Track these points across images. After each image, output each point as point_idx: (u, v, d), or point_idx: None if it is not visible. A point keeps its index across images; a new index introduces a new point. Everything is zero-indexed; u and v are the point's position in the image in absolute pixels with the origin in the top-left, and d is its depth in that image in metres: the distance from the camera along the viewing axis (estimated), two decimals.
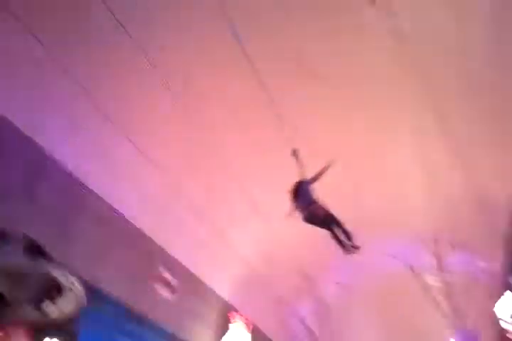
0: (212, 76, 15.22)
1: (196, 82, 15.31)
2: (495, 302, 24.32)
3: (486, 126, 18.79)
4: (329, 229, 9.66)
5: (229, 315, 25.45)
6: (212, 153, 17.25)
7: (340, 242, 9.59)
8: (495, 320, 24.52)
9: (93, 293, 16.77)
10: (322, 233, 22.54)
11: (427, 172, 21.48)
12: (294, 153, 10.44)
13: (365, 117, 18.61)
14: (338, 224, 9.59)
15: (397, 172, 21.71)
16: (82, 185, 15.04)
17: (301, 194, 9.62)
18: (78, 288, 6.20)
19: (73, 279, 6.37)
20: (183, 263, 21.39)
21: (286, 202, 22.29)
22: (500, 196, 20.98)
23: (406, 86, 17.31)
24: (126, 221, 17.43)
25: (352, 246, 9.57)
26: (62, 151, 13.98)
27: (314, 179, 9.88)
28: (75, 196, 15.18)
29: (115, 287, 17.01)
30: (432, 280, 27.95)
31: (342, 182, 21.38)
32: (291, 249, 24.32)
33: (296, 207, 9.48)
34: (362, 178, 21.70)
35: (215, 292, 23.41)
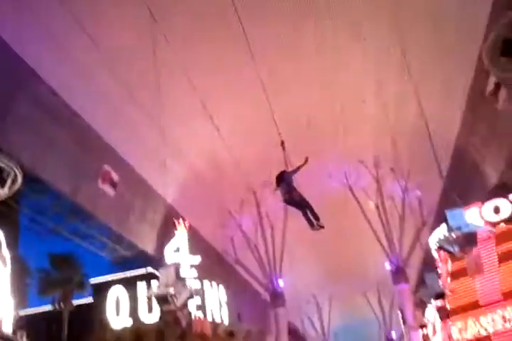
0: None
1: None
2: (428, 231, 25.77)
3: (442, 63, 19.11)
4: (302, 210, 11.56)
5: (175, 220, 26.19)
6: (171, 58, 16.93)
7: (309, 220, 11.44)
8: (426, 249, 26.11)
9: (35, 182, 17.02)
10: (270, 151, 23.12)
11: (381, 100, 21.87)
12: (282, 144, 12.51)
13: (330, 48, 18.66)
14: (310, 207, 11.48)
15: (349, 97, 21.99)
16: (29, 69, 14.53)
17: (284, 181, 11.54)
18: (17, 173, 6.40)
19: (13, 165, 6.54)
20: (131, 165, 21.67)
21: (239, 114, 22.67)
22: (445, 131, 21.73)
23: (373, 18, 17.35)
24: (76, 114, 17.17)
25: (318, 225, 11.39)
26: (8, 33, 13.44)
27: (295, 171, 11.70)
28: (22, 82, 14.72)
29: (59, 179, 17.15)
30: (370, 204, 29.18)
31: (296, 107, 21.69)
32: (240, 161, 24.80)
33: (280, 191, 11.54)
34: (314, 102, 21.95)
35: (161, 196, 23.93)
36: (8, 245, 14.05)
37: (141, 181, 22.89)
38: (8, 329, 11.74)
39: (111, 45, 16.07)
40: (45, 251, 23.90)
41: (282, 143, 12.59)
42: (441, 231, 12.78)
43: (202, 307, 26.01)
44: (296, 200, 11.55)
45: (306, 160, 11.76)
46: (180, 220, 26.41)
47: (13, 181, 6.50)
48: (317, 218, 11.40)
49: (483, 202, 19.76)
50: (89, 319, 25.08)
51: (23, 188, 14.37)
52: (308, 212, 11.52)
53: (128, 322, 24.77)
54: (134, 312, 24.68)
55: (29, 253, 21.36)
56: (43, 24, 14.39)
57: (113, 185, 19.99)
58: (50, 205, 20.44)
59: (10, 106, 14.42)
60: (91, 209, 20.14)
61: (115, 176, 19.94)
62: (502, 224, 18.33)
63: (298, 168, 11.84)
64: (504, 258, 17.88)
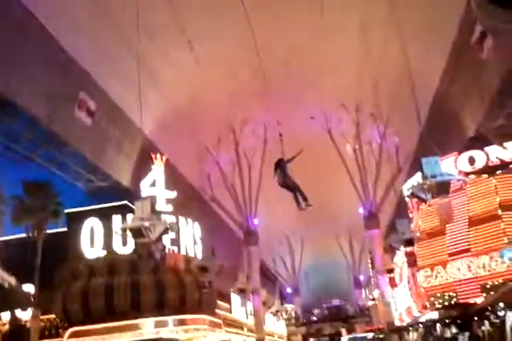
0: None
1: None
2: (403, 179, 26.04)
3: (429, 8, 18.67)
4: (294, 193, 13.47)
5: (152, 154, 25.94)
6: None
7: (297, 201, 13.36)
8: (399, 196, 26.46)
9: (9, 106, 16.48)
10: (251, 86, 22.66)
11: (365, 43, 21.44)
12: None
13: None
14: (300, 191, 13.41)
15: (333, 37, 21.56)
16: None
17: (280, 168, 13.28)
18: None
19: None
20: (108, 94, 21.07)
21: (221, 45, 21.98)
22: (428, 78, 21.43)
23: None
24: (51, 37, 16.44)
25: (306, 205, 13.46)
26: None
27: (290, 160, 13.41)
28: None
29: (34, 105, 16.60)
30: (348, 148, 29.24)
31: (280, 44, 21.14)
32: (220, 96, 24.35)
33: (276, 176, 13.34)
34: (297, 40, 21.46)
35: (139, 128, 23.43)
36: None
37: (119, 111, 22.39)
38: None
39: None
40: (19, 178, 23.67)
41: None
42: (416, 179, 12.84)
43: (176, 242, 26.36)
44: (289, 185, 13.39)
45: (301, 151, 13.46)
46: (158, 154, 26.25)
47: None
48: (305, 199, 13.30)
49: (459, 153, 19.89)
50: (63, 248, 25.23)
51: None
52: (298, 195, 13.33)
53: (101, 253, 25.05)
54: (108, 244, 24.87)
55: (3, 181, 21.12)
56: None
57: (90, 113, 19.53)
58: (24, 131, 19.93)
59: None
60: (66, 137, 19.74)
61: (92, 104, 19.45)
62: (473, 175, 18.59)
63: (293, 158, 13.49)
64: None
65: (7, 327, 21.77)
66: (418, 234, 15.70)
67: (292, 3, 19.35)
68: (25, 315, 22.91)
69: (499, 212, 17.89)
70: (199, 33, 19.67)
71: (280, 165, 13.38)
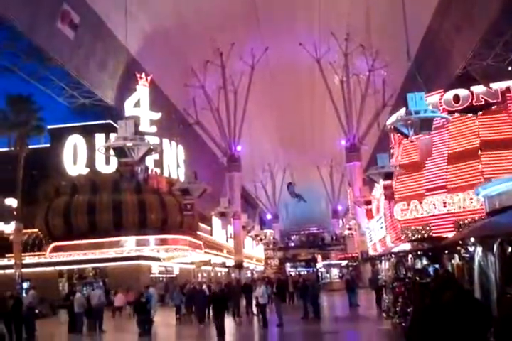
0: None
1: None
2: (387, 114, 25.94)
3: None
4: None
5: (137, 75, 25.35)
6: None
7: None
8: (382, 130, 26.46)
9: None
10: (240, 11, 21.67)
11: None
12: None
13: None
14: None
15: None
16: None
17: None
18: None
19: None
20: (92, 7, 20.06)
21: None
22: (420, 11, 20.70)
23: None
24: None
25: None
26: None
27: None
28: None
29: (13, 12, 15.81)
30: (335, 79, 28.86)
31: None
32: (208, 15, 23.51)
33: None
34: None
35: (124, 46, 22.67)
36: None
37: (103, 26, 21.60)
38: None
39: None
40: (1, 91, 23.21)
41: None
42: (400, 114, 12.82)
43: (159, 164, 26.53)
44: None
45: None
46: (143, 74, 25.71)
47: None
48: None
49: (445, 90, 19.77)
50: (46, 164, 25.35)
51: None
52: None
53: (84, 171, 25.20)
54: (91, 161, 25.01)
55: None
56: None
57: (73, 26, 18.79)
58: (5, 42, 19.26)
59: None
60: (49, 50, 19.10)
61: (75, 17, 18.66)
62: (456, 114, 18.59)
63: None
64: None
65: None
66: (397, 169, 15.93)
67: None
68: (7, 228, 23.33)
69: (479, 151, 18.09)
70: None
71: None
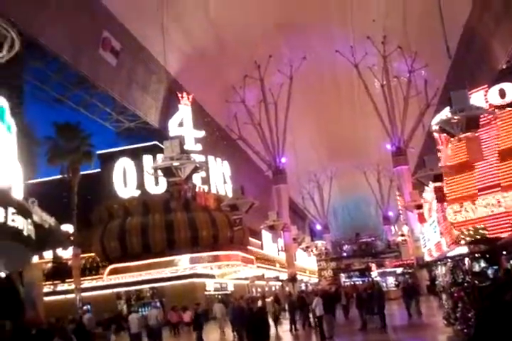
0: None
1: None
2: (431, 114, 25.50)
3: None
4: None
5: (179, 94, 25.88)
6: None
7: None
8: (428, 132, 26.00)
9: (35, 48, 16.46)
10: (274, 19, 21.80)
11: None
12: None
13: None
14: None
15: None
16: None
17: None
18: (14, 36, 6.11)
19: (8, 27, 6.23)
20: (131, 32, 20.74)
21: None
22: (458, 7, 20.38)
23: None
24: None
25: None
26: None
27: None
28: None
29: (59, 45, 16.50)
30: (375, 82, 28.62)
31: None
32: (243, 31, 23.83)
33: None
34: None
35: (163, 67, 23.24)
36: (13, 112, 14.00)
37: (143, 50, 22.23)
38: (19, 197, 12.20)
39: None
40: (51, 120, 23.97)
41: None
42: (445, 113, 12.57)
43: (206, 181, 26.82)
44: None
45: None
46: (184, 94, 26.22)
47: (11, 44, 6.23)
48: None
49: (489, 86, 19.27)
50: (97, 188, 26.01)
51: (23, 53, 13.94)
52: None
53: (135, 193, 25.72)
54: (140, 183, 25.50)
55: (35, 123, 21.38)
56: None
57: (114, 52, 19.40)
58: (52, 74, 20.08)
59: None
60: (93, 78, 19.77)
61: (116, 44, 19.26)
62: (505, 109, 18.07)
63: None
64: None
65: (50, 265, 22.79)
66: (447, 170, 15.59)
67: None
68: (66, 253, 23.97)
69: None
70: None
71: None
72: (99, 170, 26.38)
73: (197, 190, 23.95)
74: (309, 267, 45.02)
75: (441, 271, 12.95)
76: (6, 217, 8.12)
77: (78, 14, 17.00)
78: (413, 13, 22.18)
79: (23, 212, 9.07)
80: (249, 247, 28.73)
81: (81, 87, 21.60)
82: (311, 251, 37.46)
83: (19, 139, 14.14)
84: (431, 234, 25.06)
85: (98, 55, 18.87)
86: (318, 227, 55.59)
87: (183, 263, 24.19)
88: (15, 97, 16.80)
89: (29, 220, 9.27)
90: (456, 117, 10.04)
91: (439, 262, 13.28)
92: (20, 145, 14.38)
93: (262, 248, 33.62)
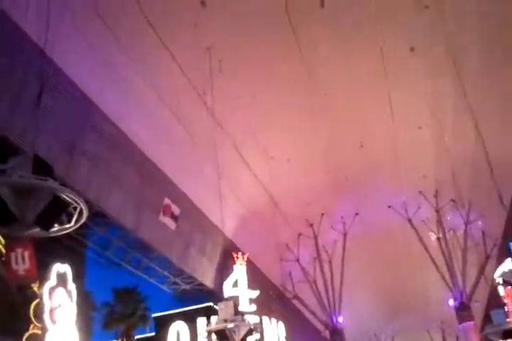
0: None
1: None
2: (493, 265, 24.72)
3: (499, 88, 18.77)
4: None
5: (234, 255, 26.29)
6: (228, 92, 17.45)
7: None
8: (492, 284, 24.98)
9: (100, 217, 17.55)
10: (325, 181, 22.88)
11: (439, 126, 21.49)
12: None
13: (384, 72, 18.60)
14: None
15: (408, 122, 21.67)
16: (92, 104, 15.07)
17: None
18: (83, 207, 6.74)
19: (78, 199, 6.91)
20: (190, 198, 21.98)
21: (293, 143, 22.72)
22: (506, 156, 20.96)
23: (428, 45, 17.40)
24: (136, 148, 17.66)
25: None
26: (74, 68, 14.05)
27: None
28: (84, 115, 15.23)
29: (122, 214, 17.60)
30: (431, 236, 28.43)
31: (351, 134, 21.66)
32: (296, 193, 24.86)
33: None
34: (369, 129, 21.83)
35: (219, 230, 24.17)
36: (75, 280, 14.49)
37: (200, 214, 23.28)
38: None
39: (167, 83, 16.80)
40: (110, 285, 24.43)
41: None
42: (507, 265, 12.30)
43: None
44: None
45: None
46: (239, 254, 26.57)
47: (79, 216, 6.87)
48: None
49: None
50: None
51: (88, 223, 14.89)
52: None
53: None
54: None
55: (94, 288, 21.82)
56: (106, 65, 15.18)
57: (174, 218, 20.38)
58: (114, 240, 21.02)
59: (76, 143, 15.14)
60: (152, 242, 20.55)
61: (176, 209, 20.33)
62: None
63: None
64: None
65: None
66: None
67: (361, 89, 19.68)
68: None
69: None
70: (271, 135, 20.67)
71: None
72: (153, 333, 25.93)
73: None
74: None
75: None
76: None
77: (143, 184, 18.34)
78: (463, 164, 22.79)
79: None
80: None
81: (140, 251, 22.34)
82: None
83: (78, 305, 14.42)
84: None
85: (158, 221, 19.85)
86: None
87: None
88: (78, 265, 17.57)
89: None
90: None
91: None
92: (78, 311, 14.60)
93: None
